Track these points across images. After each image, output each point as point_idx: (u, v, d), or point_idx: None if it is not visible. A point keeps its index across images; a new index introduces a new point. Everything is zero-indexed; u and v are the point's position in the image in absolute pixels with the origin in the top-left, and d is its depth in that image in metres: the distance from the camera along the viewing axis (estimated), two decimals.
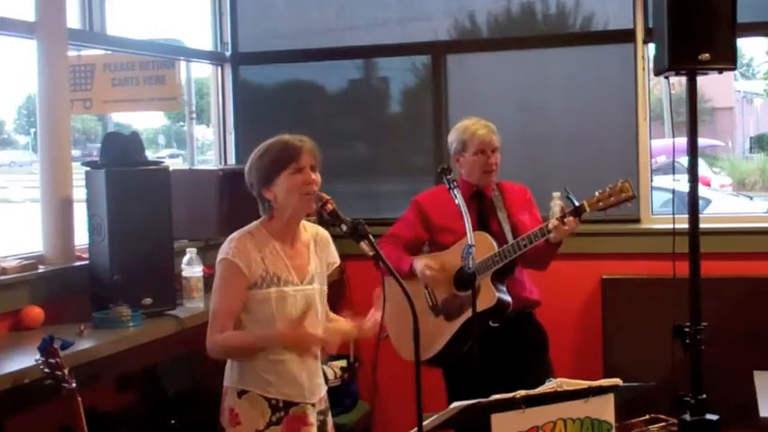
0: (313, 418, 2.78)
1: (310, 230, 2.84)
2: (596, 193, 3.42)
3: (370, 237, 2.58)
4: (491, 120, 3.72)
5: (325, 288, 2.84)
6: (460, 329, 3.58)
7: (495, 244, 3.52)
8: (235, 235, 2.72)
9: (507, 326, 3.56)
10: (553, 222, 3.39)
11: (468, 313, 3.52)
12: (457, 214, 3.46)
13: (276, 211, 2.70)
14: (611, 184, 3.41)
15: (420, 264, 3.60)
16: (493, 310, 3.49)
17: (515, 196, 3.75)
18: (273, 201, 2.68)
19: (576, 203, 3.39)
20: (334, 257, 2.90)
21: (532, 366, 3.53)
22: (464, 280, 3.55)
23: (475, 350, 3.24)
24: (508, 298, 3.55)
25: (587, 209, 3.40)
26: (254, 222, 2.76)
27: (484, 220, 3.64)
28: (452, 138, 3.71)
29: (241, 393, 2.71)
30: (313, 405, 2.79)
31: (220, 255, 2.70)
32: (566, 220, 3.37)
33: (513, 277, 3.63)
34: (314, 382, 2.80)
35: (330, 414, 2.91)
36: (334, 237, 2.94)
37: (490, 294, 3.49)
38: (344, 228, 2.60)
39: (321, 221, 2.86)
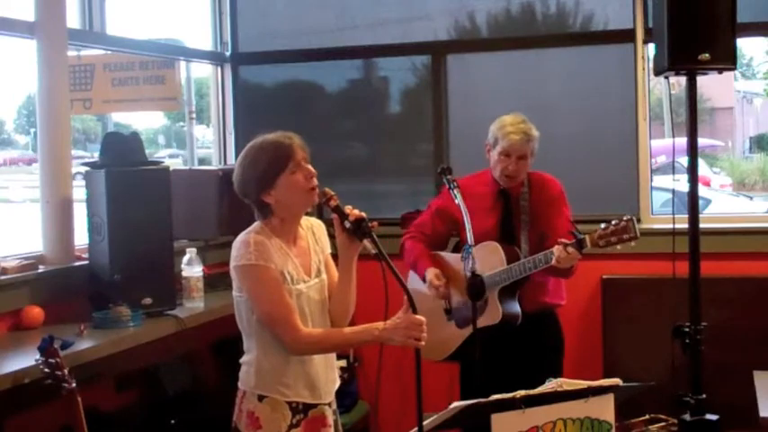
0: (330, 418, 2.76)
1: (305, 224, 2.79)
2: (601, 226, 3.31)
3: (374, 235, 2.57)
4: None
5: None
6: (470, 338, 3.54)
7: (504, 259, 3.47)
8: (246, 238, 2.62)
9: (525, 325, 3.52)
10: (558, 249, 3.29)
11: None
12: (481, 210, 3.42)
13: (277, 212, 2.65)
14: (615, 220, 3.29)
15: (430, 274, 3.57)
16: (499, 326, 3.46)
17: (545, 193, 3.65)
18: (274, 204, 2.63)
19: (580, 236, 3.31)
20: (329, 248, 2.84)
21: (541, 370, 3.52)
22: (474, 288, 3.56)
23: (477, 351, 3.22)
24: (516, 310, 3.51)
25: (588, 245, 3.30)
26: (255, 224, 2.70)
27: (507, 223, 3.59)
28: (491, 128, 3.62)
29: (261, 397, 2.66)
30: (329, 404, 2.76)
31: (242, 260, 2.59)
32: (568, 250, 3.28)
33: (532, 282, 3.54)
34: (329, 380, 2.76)
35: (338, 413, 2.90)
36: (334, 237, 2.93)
37: (495, 311, 3.47)
38: (348, 224, 2.58)
39: (321, 219, 2.85)
